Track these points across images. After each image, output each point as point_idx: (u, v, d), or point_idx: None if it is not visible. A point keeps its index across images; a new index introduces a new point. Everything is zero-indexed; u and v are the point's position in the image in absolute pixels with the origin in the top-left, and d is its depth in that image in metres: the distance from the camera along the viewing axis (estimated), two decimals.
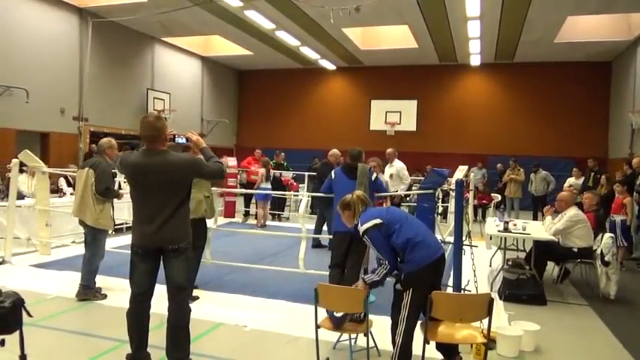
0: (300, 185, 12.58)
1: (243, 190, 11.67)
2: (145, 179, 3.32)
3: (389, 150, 8.42)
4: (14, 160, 6.83)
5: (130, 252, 3.45)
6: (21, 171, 7.93)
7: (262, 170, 10.68)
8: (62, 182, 9.33)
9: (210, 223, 5.66)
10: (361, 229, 3.44)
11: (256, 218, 10.90)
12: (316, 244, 8.14)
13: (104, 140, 5.41)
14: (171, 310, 3.35)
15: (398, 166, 8.21)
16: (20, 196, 7.48)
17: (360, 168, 5.20)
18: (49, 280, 5.83)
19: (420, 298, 3.24)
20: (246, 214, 11.70)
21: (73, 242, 7.72)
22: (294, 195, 11.88)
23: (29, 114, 11.12)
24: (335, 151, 8.22)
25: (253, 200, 11.42)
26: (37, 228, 7.06)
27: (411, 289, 3.30)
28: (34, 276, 6.01)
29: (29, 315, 2.80)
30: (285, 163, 12.87)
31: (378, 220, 3.39)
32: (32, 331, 3.62)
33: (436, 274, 3.41)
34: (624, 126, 13.54)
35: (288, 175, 12.21)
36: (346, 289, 3.59)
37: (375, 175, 5.34)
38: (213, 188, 5.47)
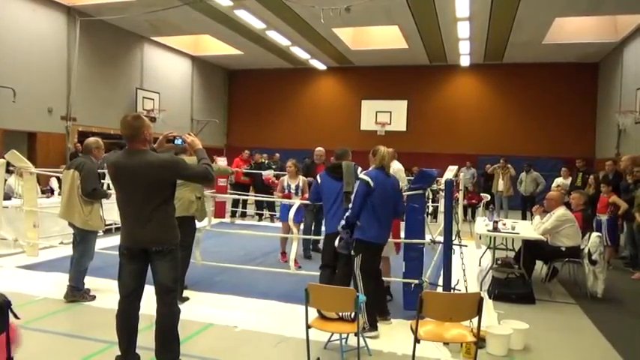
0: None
1: (245, 196, 11.28)
2: (125, 179, 3.30)
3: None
4: (0, 161, 6.74)
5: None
6: (10, 172, 7.84)
7: (284, 178, 7.31)
8: (54, 182, 9.23)
9: (203, 223, 5.62)
10: (360, 174, 4.56)
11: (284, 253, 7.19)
12: (313, 249, 7.79)
13: (91, 140, 5.30)
14: (159, 311, 3.33)
15: (395, 167, 7.98)
16: (7, 197, 7.38)
17: (345, 166, 4.92)
18: (36, 281, 5.77)
19: (366, 263, 4.33)
20: (234, 215, 11.65)
21: (61, 243, 7.64)
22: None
23: (16, 113, 10.97)
24: (320, 149, 7.92)
25: (251, 201, 10.95)
26: (25, 229, 6.97)
27: (360, 255, 4.32)
28: (22, 277, 5.94)
29: (16, 317, 2.76)
30: (267, 162, 12.79)
31: (370, 182, 4.34)
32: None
33: (376, 255, 4.48)
34: (611, 126, 13.71)
35: (269, 173, 11.86)
36: (337, 289, 3.60)
37: (360, 169, 4.99)
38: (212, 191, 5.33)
